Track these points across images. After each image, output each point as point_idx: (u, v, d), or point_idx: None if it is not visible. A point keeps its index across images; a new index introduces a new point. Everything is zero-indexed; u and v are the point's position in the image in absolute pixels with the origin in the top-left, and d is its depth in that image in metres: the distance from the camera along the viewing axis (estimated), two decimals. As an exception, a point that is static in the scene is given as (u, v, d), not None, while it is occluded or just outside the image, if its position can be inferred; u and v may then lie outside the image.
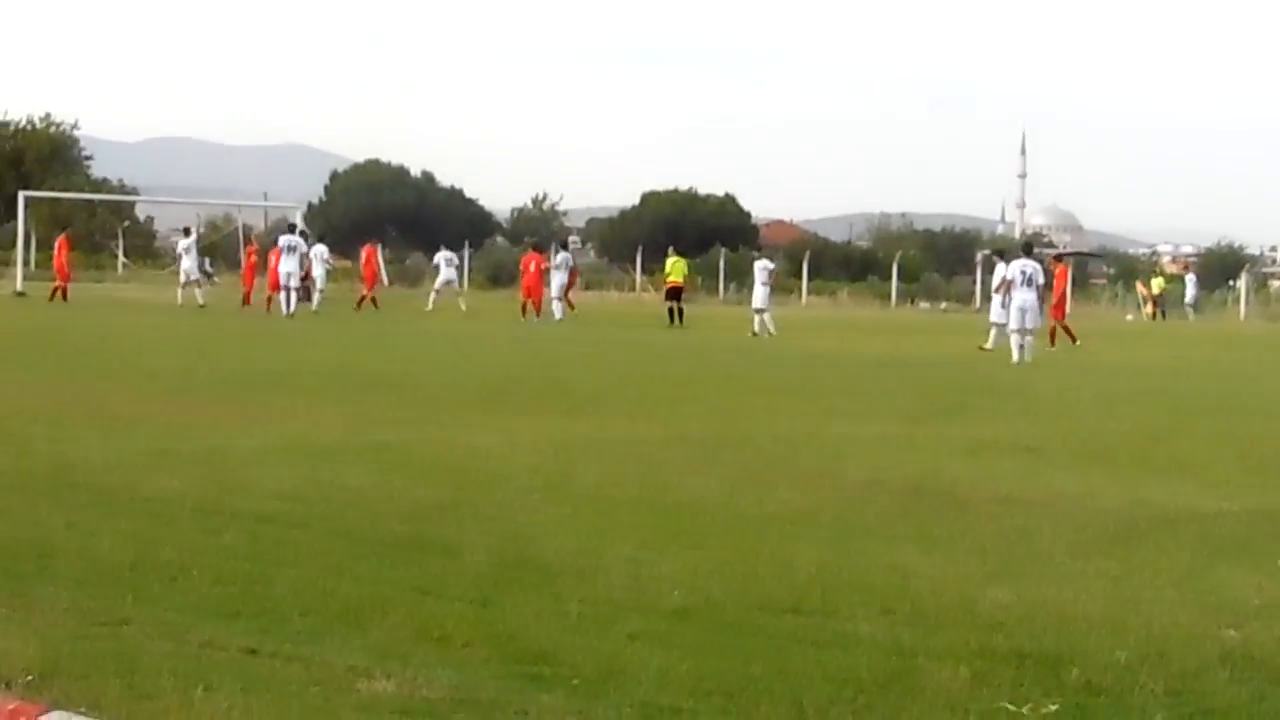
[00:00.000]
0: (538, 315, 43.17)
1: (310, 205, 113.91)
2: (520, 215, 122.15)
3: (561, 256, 45.66)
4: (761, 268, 41.72)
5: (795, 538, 9.89)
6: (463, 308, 47.48)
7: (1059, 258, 33.67)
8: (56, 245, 46.52)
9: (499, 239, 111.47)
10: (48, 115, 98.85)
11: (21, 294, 46.82)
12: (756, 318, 40.27)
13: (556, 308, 43.65)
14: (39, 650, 6.50)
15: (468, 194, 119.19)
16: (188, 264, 45.59)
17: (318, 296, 43.96)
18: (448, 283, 49.77)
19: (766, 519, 10.62)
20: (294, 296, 41.09)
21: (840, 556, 9.28)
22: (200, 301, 43.49)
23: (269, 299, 41.76)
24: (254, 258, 45.72)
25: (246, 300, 44.26)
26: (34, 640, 6.65)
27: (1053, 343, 34.38)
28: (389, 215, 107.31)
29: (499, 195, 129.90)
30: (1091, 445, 15.77)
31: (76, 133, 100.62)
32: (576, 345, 31.57)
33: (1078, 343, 34.70)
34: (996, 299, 33.71)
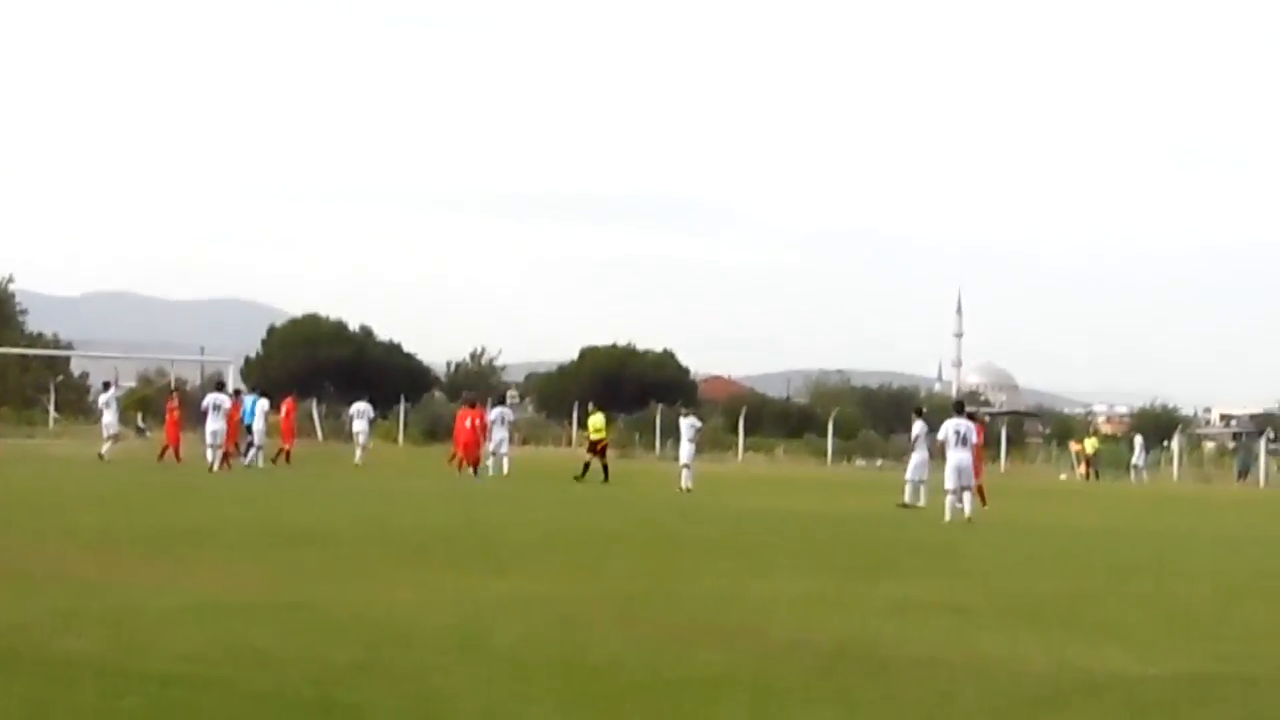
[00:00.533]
0: (474, 471, 43.03)
1: (248, 359, 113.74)
2: (458, 370, 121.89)
3: (497, 412, 45.52)
4: (688, 425, 42.01)
5: (714, 700, 9.70)
6: (356, 460, 47.34)
7: (971, 416, 33.67)
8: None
9: (436, 393, 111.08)
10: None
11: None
12: (684, 473, 40.29)
13: (492, 463, 43.48)
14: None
15: (406, 348, 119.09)
16: (108, 418, 45.29)
17: (255, 452, 43.57)
18: (361, 434, 49.55)
19: (686, 681, 10.42)
20: (218, 454, 40.80)
21: (757, 720, 9.09)
22: (105, 455, 42.92)
23: (165, 450, 41.94)
24: (175, 413, 45.28)
25: (162, 454, 43.80)
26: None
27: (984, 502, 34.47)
28: (327, 369, 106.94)
29: (437, 350, 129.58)
30: (1020, 606, 15.63)
31: (13, 287, 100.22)
32: (507, 501, 31.34)
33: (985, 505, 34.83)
34: (915, 455, 34.81)
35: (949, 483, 29.71)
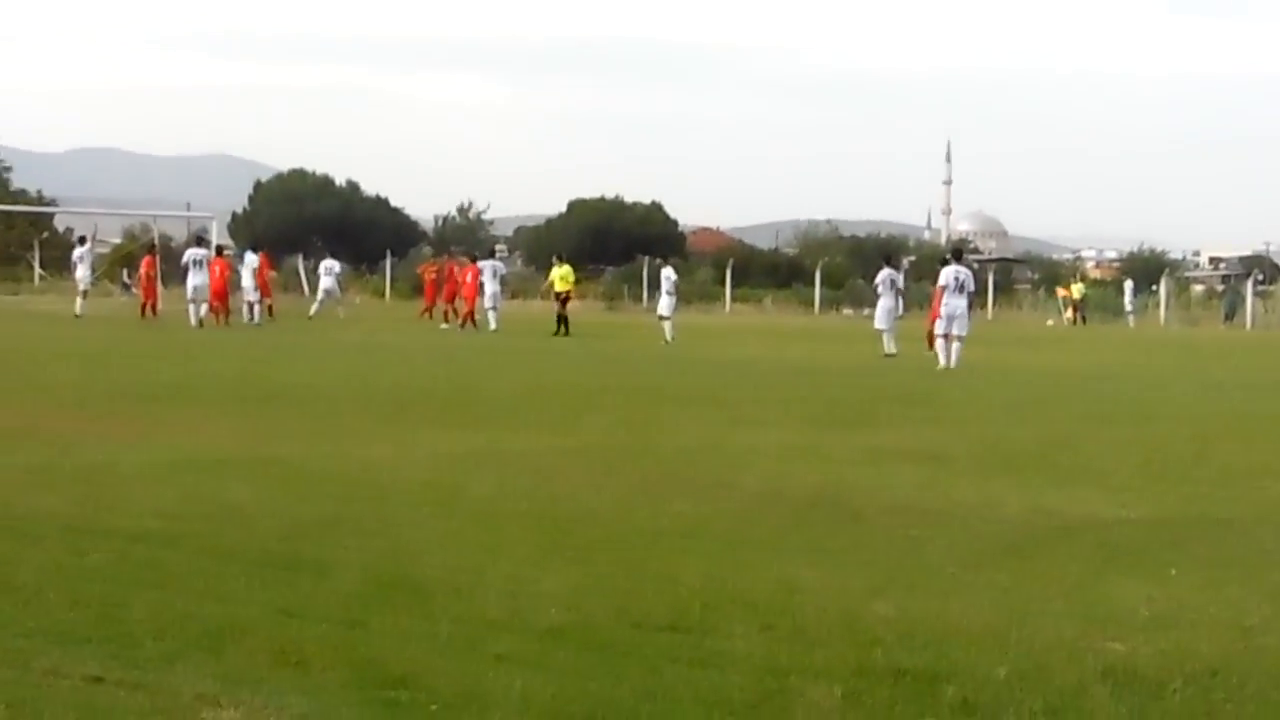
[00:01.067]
0: (474, 324, 43.29)
1: (235, 215, 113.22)
2: (446, 224, 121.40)
3: (489, 265, 45.47)
4: (666, 276, 42.03)
5: (684, 551, 9.67)
6: (340, 315, 47.68)
7: (944, 260, 33.77)
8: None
9: (425, 248, 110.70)
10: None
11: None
12: (665, 325, 40.23)
13: (492, 317, 43.41)
14: None
15: (393, 203, 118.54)
16: (82, 272, 45.09)
17: (258, 309, 43.55)
18: (327, 291, 49.51)
19: (658, 532, 10.40)
20: (201, 310, 40.81)
21: (727, 571, 9.07)
22: (80, 312, 42.85)
23: (144, 306, 42.42)
24: (152, 269, 44.97)
25: (142, 312, 43.68)
26: None
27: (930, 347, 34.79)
28: (314, 225, 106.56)
29: (425, 204, 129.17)
30: (996, 453, 15.63)
31: (1, 144, 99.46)
32: (491, 355, 31.29)
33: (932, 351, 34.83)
34: (881, 302, 35.24)
35: (939, 328, 29.67)
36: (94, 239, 51.70)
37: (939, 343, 29.69)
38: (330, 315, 47.29)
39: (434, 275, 51.92)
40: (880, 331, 34.65)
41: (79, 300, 43.72)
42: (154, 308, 43.85)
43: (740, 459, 14.40)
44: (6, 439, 14.14)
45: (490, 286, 44.18)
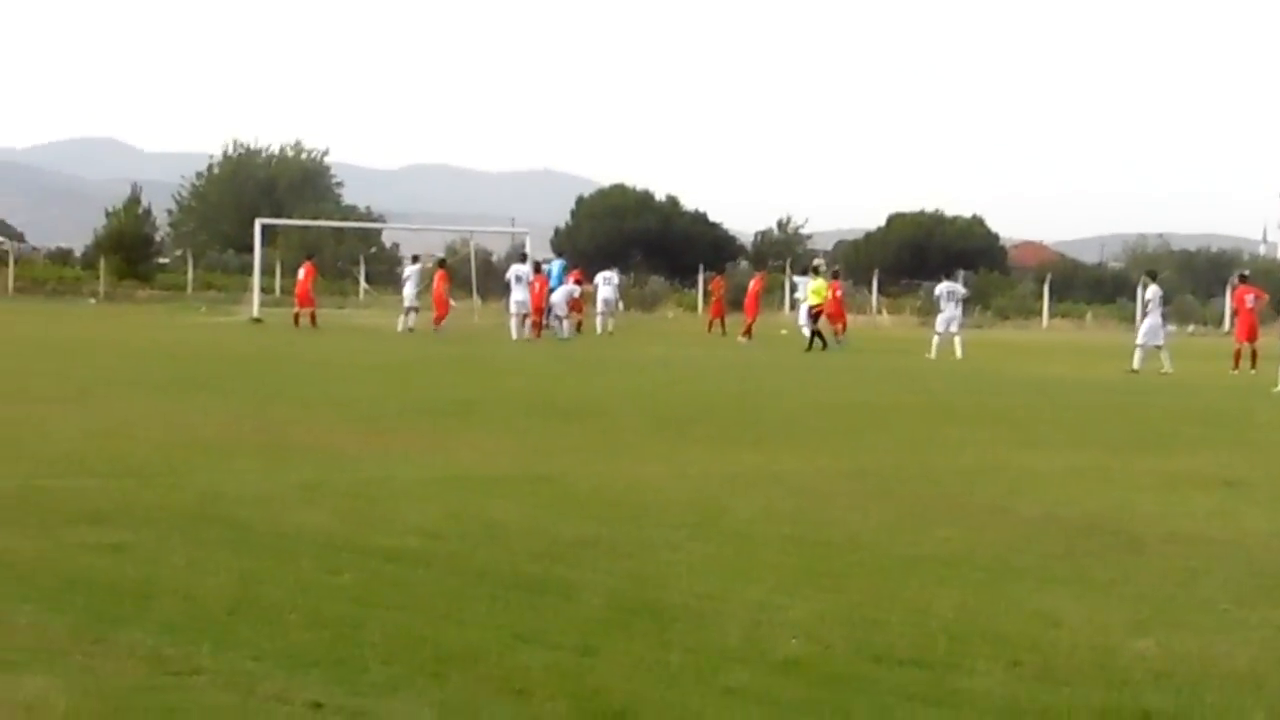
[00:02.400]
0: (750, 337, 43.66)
1: (557, 230, 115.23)
2: (764, 238, 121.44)
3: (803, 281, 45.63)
4: (947, 289, 41.36)
5: (941, 581, 9.36)
6: (610, 328, 47.58)
7: (1242, 278, 33.13)
8: (302, 271, 47.29)
9: (742, 263, 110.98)
10: (298, 143, 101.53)
11: (258, 320, 47.65)
12: (955, 340, 39.42)
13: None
14: (97, 704, 6.33)
15: (711, 218, 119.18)
16: (409, 290, 45.90)
17: (566, 324, 43.98)
18: (606, 302, 49.35)
19: (917, 559, 10.09)
20: (524, 324, 41.58)
21: (984, 602, 8.75)
22: (406, 327, 43.66)
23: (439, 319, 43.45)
24: (444, 282, 45.60)
25: (437, 323, 44.54)
26: (95, 692, 6.48)
27: (1236, 366, 34.30)
28: (634, 239, 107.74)
29: (744, 219, 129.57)
30: (1299, 480, 14.86)
31: (337, 161, 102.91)
32: (783, 372, 31.01)
33: (1237, 370, 34.00)
34: (1147, 320, 36.01)
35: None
36: (427, 258, 52.77)
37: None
38: (603, 328, 47.67)
39: (722, 291, 52.28)
40: (1151, 348, 34.63)
41: (402, 318, 44.68)
42: (437, 320, 44.46)
43: (1019, 482, 13.95)
44: (289, 455, 14.44)
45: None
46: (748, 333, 45.66)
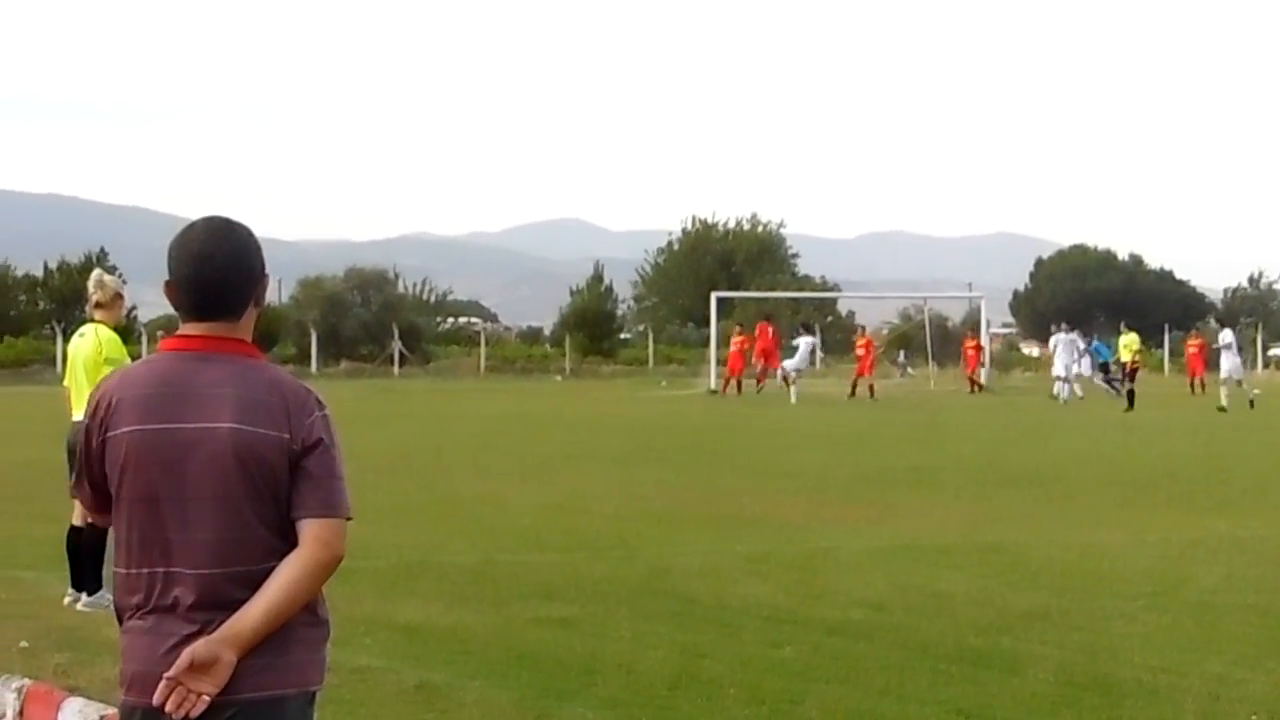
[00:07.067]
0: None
1: (1015, 293, 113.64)
2: (1235, 295, 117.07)
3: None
4: (1226, 341, 39.10)
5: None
6: (792, 400, 42.83)
7: None
8: (756, 330, 48.03)
9: (1211, 321, 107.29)
10: (754, 216, 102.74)
11: (714, 392, 48.15)
12: (1222, 389, 37.29)
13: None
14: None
15: (1178, 275, 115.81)
16: (792, 362, 45.85)
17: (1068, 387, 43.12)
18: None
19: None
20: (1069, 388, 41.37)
21: None
22: (792, 399, 42.88)
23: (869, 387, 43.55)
24: (744, 344, 46.38)
25: (725, 385, 45.42)
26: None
27: None
28: (1095, 300, 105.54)
29: (1213, 275, 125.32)
30: None
31: (794, 232, 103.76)
32: (1248, 431, 29.54)
33: None
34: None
35: None
36: (812, 330, 52.38)
37: None
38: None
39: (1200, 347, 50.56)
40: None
41: (791, 388, 44.14)
42: (725, 384, 45.04)
43: None
44: (737, 526, 14.49)
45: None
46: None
